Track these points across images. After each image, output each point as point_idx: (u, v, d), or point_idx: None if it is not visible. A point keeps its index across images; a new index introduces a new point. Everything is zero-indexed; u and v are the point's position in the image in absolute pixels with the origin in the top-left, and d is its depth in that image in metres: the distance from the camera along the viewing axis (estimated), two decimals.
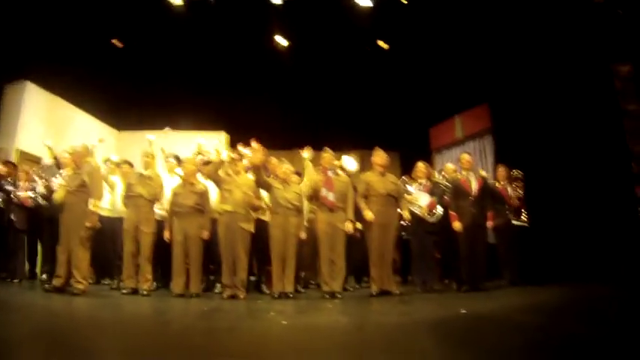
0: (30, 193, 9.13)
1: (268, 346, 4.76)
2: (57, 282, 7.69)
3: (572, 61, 9.29)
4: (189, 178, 8.36)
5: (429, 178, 9.05)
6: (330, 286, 7.91)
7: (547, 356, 4.01)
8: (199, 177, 8.59)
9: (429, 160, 11.91)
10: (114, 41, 11.66)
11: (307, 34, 11.66)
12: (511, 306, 6.80)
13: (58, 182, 8.21)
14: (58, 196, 7.86)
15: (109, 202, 9.15)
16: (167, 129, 8.76)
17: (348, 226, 8.08)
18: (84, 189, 7.85)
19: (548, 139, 9.68)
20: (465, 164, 8.68)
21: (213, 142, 9.26)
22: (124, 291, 8.08)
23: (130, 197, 8.35)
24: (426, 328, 5.43)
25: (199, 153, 9.28)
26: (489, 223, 8.64)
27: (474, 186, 8.46)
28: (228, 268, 7.90)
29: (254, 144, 8.33)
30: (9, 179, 9.29)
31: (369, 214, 8.03)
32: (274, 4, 10.64)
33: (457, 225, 8.30)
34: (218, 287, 8.39)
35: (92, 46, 11.35)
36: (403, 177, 9.40)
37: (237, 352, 4.49)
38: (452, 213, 8.44)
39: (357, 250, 8.79)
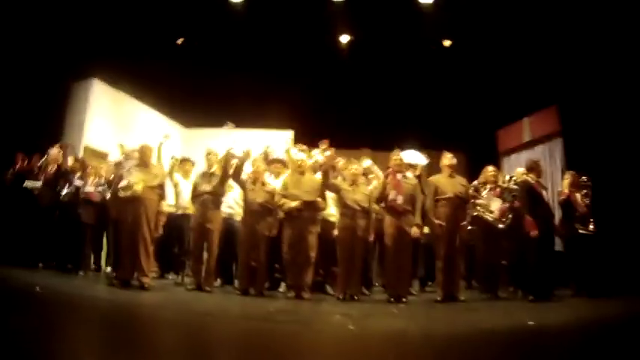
0: (98, 188, 9.24)
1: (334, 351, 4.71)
2: (122, 275, 7.82)
3: None
4: (258, 176, 8.34)
5: (496, 182, 8.84)
6: (397, 290, 7.76)
7: None
8: (268, 177, 8.56)
9: (496, 163, 11.63)
10: (179, 42, 11.77)
11: (374, 32, 11.56)
12: (578, 318, 6.59)
13: (130, 179, 8.25)
14: (137, 188, 7.91)
15: (174, 198, 9.25)
16: (229, 124, 8.74)
17: (415, 231, 7.87)
18: (158, 186, 8.08)
19: (619, 143, 9.40)
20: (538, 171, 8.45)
21: (281, 141, 9.24)
22: (189, 287, 8.14)
23: (196, 195, 8.39)
24: (494, 339, 5.32)
25: (266, 154, 9.26)
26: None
27: (546, 193, 8.24)
28: (293, 268, 7.88)
29: (323, 144, 8.30)
30: (78, 174, 9.44)
31: (437, 221, 7.91)
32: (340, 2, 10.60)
33: (534, 232, 8.01)
34: (283, 286, 8.37)
35: (159, 43, 11.45)
36: (474, 182, 9.14)
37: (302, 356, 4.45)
38: (528, 219, 8.14)
39: (423, 255, 8.65)
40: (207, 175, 8.48)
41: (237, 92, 12.19)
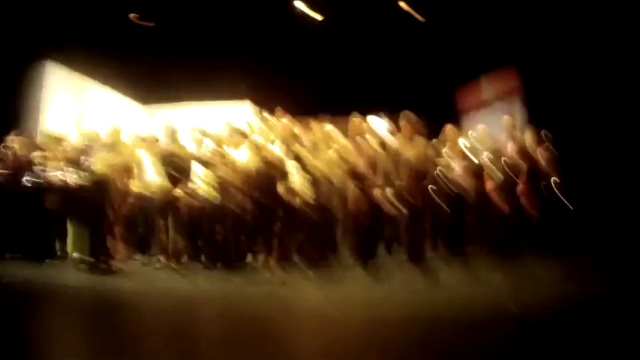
0: (59, 174, 9.12)
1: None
2: (90, 259, 7.81)
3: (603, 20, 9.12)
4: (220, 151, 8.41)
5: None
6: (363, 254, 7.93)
7: None
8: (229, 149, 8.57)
9: (456, 122, 11.72)
10: (132, 16, 11.58)
11: None
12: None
13: (92, 161, 8.16)
14: (100, 171, 7.85)
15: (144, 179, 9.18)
16: None
17: (379, 196, 7.89)
18: (124, 167, 8.10)
19: (578, 101, 9.55)
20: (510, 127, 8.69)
21: (244, 114, 9.22)
22: (157, 266, 8.16)
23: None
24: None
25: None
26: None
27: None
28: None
29: (285, 114, 8.36)
30: (38, 160, 9.31)
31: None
32: None
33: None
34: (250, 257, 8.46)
35: (111, 21, 11.28)
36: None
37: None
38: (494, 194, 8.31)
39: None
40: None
41: (192, 66, 12.08)
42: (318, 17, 11.81)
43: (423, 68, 12.89)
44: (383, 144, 8.33)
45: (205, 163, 8.38)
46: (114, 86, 12.91)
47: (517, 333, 4.55)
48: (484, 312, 5.39)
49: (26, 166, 9.19)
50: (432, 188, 8.43)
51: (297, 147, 8.26)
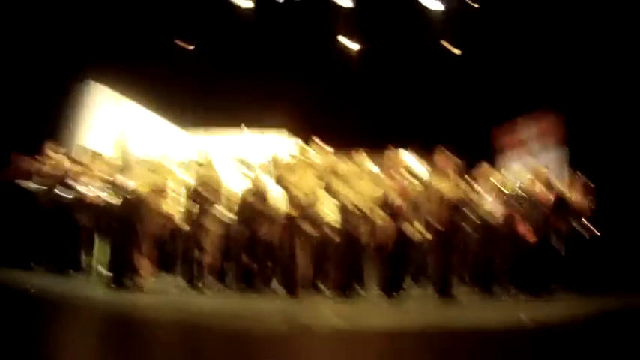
0: (98, 192, 9.23)
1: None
2: (117, 276, 7.91)
3: None
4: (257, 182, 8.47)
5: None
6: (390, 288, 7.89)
7: None
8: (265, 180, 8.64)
9: (491, 161, 11.63)
10: (179, 42, 11.78)
11: (373, 33, 11.57)
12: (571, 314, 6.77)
13: (128, 179, 8.28)
14: (136, 190, 8.01)
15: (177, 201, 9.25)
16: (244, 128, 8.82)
17: (418, 236, 7.99)
18: (162, 189, 8.20)
19: (620, 150, 9.44)
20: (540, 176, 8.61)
21: (284, 144, 9.28)
22: (183, 286, 8.26)
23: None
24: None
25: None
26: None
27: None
28: (286, 267, 7.98)
29: (322, 145, 8.40)
30: (77, 177, 9.44)
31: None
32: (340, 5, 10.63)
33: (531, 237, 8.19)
34: (275, 284, 8.41)
35: (157, 44, 11.48)
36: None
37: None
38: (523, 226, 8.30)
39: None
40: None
41: (238, 93, 12.19)
42: (357, 48, 11.86)
43: (462, 106, 12.86)
44: (417, 178, 8.30)
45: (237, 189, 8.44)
46: (156, 109, 13.08)
47: None
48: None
49: (61, 178, 9.33)
50: (462, 223, 8.37)
51: (331, 178, 8.25)
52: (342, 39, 11.88)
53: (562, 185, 9.24)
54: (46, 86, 10.62)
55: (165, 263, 9.42)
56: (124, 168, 8.65)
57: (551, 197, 8.45)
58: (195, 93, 12.58)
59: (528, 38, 11.08)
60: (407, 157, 9.00)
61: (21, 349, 4.24)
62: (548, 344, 5.27)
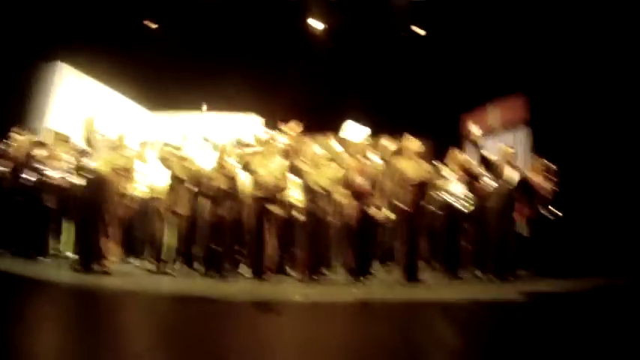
0: (62, 173, 9.14)
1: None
2: (84, 259, 7.80)
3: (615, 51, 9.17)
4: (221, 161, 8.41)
5: (464, 167, 8.93)
6: (357, 270, 7.92)
7: None
8: (231, 160, 8.59)
9: (459, 147, 11.74)
10: (146, 22, 11.65)
11: (342, 18, 11.56)
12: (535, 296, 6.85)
13: (93, 161, 8.20)
14: (101, 171, 7.93)
15: (145, 183, 9.24)
16: (204, 107, 8.75)
17: (378, 214, 7.98)
18: (125, 169, 8.12)
19: (586, 132, 9.58)
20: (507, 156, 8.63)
21: (249, 125, 9.27)
22: (151, 270, 8.25)
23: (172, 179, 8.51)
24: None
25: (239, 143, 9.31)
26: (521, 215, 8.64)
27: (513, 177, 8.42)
28: (254, 249, 7.96)
29: (292, 126, 8.38)
30: (42, 159, 9.32)
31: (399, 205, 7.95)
32: None
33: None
34: (243, 268, 8.39)
35: (124, 26, 11.35)
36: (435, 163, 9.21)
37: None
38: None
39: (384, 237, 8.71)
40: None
41: (204, 75, 12.13)
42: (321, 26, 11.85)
43: (431, 92, 12.96)
44: (384, 162, 8.34)
45: (208, 174, 8.44)
46: (122, 90, 12.95)
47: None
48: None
49: (27, 162, 9.21)
50: (430, 208, 8.44)
51: (299, 160, 8.26)
52: (310, 21, 11.82)
53: (526, 168, 9.40)
54: (11, 67, 10.43)
55: (132, 246, 9.41)
56: (89, 149, 8.54)
57: (517, 179, 8.52)
58: (164, 74, 12.49)
59: (493, 24, 11.14)
60: (375, 142, 8.99)
61: None
62: (508, 321, 5.35)
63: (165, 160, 8.64)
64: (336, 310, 6.12)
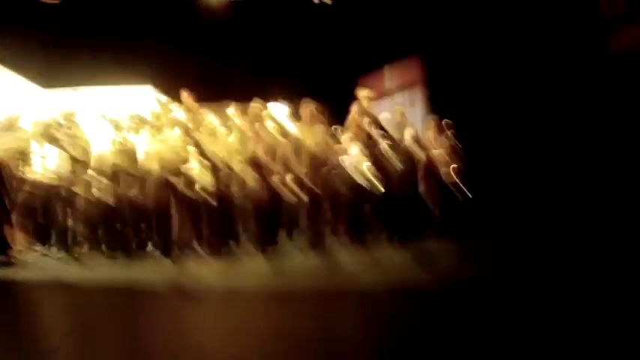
0: None
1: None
2: None
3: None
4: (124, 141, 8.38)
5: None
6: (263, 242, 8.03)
7: None
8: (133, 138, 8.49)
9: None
10: None
11: None
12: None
13: None
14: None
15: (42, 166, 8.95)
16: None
17: (277, 183, 8.05)
18: (19, 152, 7.90)
19: (480, 91, 9.90)
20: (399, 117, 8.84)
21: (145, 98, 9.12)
22: (58, 256, 8.08)
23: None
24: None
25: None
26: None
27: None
28: (160, 227, 7.96)
29: (186, 97, 8.32)
30: None
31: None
32: None
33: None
34: (150, 246, 8.38)
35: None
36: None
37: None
38: None
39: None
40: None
41: (95, 48, 11.81)
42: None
43: (327, 56, 13.02)
44: (283, 131, 8.41)
45: (103, 150, 8.29)
46: (12, 67, 12.46)
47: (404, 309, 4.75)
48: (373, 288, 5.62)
49: None
50: (331, 174, 8.58)
51: (197, 133, 8.24)
52: None
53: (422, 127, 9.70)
54: None
55: (40, 234, 9.18)
56: None
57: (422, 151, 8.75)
58: (56, 49, 12.06)
59: None
60: (273, 110, 9.03)
61: None
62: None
63: (55, 140, 8.40)
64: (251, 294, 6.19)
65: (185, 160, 8.17)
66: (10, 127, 8.06)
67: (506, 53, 9.80)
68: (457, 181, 9.15)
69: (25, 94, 11.62)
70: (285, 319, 4.68)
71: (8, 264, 7.47)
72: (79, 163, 8.25)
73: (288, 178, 8.19)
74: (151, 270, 7.47)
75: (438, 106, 11.00)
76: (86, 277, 7.19)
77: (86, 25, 11.89)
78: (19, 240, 7.94)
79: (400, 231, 8.43)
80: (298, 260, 7.70)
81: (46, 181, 8.79)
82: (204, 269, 7.37)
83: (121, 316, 4.92)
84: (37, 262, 8.16)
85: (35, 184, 8.62)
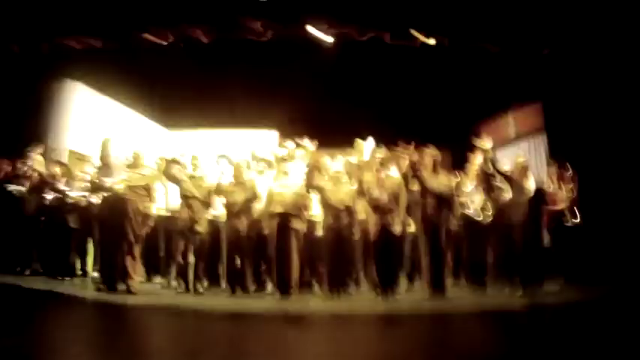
0: (82, 193, 9.14)
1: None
2: (108, 279, 7.80)
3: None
4: (238, 178, 8.46)
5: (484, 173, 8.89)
6: (383, 288, 7.85)
7: None
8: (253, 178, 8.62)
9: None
10: (150, 37, 11.61)
11: (357, 32, 11.57)
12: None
13: (113, 181, 8.19)
14: (121, 191, 7.94)
15: (165, 201, 9.24)
16: None
17: (399, 229, 7.93)
18: (144, 188, 8.08)
19: (603, 138, 9.58)
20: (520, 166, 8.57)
21: (265, 141, 9.27)
22: (178, 290, 8.21)
23: (184, 197, 8.42)
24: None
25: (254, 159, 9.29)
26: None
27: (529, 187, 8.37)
28: (279, 267, 7.96)
29: (307, 142, 8.39)
30: (62, 179, 9.34)
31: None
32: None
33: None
34: (270, 287, 8.37)
35: (135, 41, 11.37)
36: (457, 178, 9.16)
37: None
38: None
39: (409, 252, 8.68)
40: (194, 179, 8.58)
41: (221, 93, 12.13)
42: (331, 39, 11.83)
43: (449, 102, 12.94)
44: (405, 176, 8.31)
45: (225, 190, 8.47)
46: (139, 109, 12.98)
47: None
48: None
49: (47, 183, 9.24)
50: (453, 218, 8.40)
51: (319, 177, 8.27)
52: (323, 36, 11.81)
53: (542, 175, 9.39)
54: (24, 86, 10.51)
55: (156, 265, 9.40)
56: (106, 168, 8.53)
57: (532, 188, 8.50)
58: (179, 92, 12.49)
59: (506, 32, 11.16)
60: (395, 155, 8.98)
61: (15, 349, 4.22)
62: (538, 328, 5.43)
63: (173, 178, 8.59)
64: (362, 323, 6.14)
65: (306, 203, 8.19)
66: (136, 164, 8.28)
67: (630, 99, 9.44)
68: (580, 228, 8.86)
69: (150, 133, 12.06)
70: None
71: (128, 293, 7.59)
72: (199, 201, 8.35)
73: (409, 221, 8.14)
74: (266, 304, 7.52)
75: (560, 152, 10.66)
76: (199, 307, 7.28)
77: (211, 68, 12.24)
78: (139, 271, 8.11)
79: (522, 277, 8.10)
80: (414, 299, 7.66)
81: (167, 216, 9.04)
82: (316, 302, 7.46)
83: (232, 341, 4.91)
84: (154, 292, 8.38)
85: (157, 220, 8.85)
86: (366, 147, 8.94)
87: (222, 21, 11.15)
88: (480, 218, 8.72)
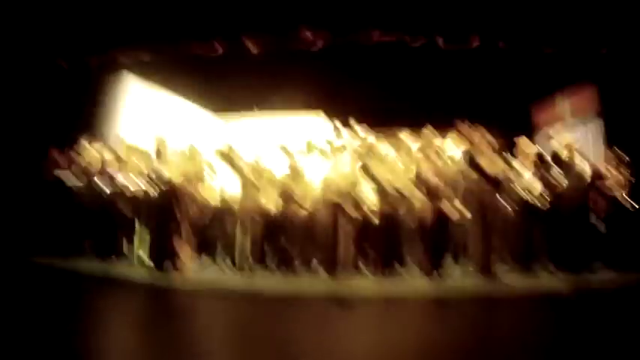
0: (136, 182, 9.27)
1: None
2: (160, 261, 8.00)
3: None
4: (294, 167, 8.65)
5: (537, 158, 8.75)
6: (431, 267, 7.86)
7: None
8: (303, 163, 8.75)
9: (530, 139, 11.54)
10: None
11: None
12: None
13: (164, 168, 8.33)
14: (172, 178, 8.15)
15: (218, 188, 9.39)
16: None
17: (454, 213, 7.94)
18: (195, 176, 8.35)
19: None
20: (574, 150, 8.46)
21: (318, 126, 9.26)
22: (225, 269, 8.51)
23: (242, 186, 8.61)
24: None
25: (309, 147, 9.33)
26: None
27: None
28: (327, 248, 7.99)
29: (356, 123, 8.39)
30: (117, 169, 9.51)
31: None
32: None
33: None
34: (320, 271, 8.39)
35: (185, 32, 11.47)
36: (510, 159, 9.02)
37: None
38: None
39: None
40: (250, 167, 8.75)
41: (267, 76, 12.10)
42: None
43: (501, 82, 12.71)
44: (455, 156, 8.23)
45: (280, 179, 8.64)
46: (189, 96, 13.06)
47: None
48: None
49: (99, 170, 9.44)
50: (502, 200, 8.28)
51: (366, 157, 8.23)
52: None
53: (597, 159, 9.17)
54: (79, 78, 10.71)
55: (205, 247, 9.49)
56: (160, 158, 8.68)
57: (588, 172, 8.32)
58: (227, 78, 12.51)
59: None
60: (445, 136, 8.92)
61: (70, 328, 4.32)
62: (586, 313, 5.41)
63: (233, 165, 8.70)
64: (410, 305, 6.09)
65: (354, 184, 8.17)
66: (190, 153, 8.41)
67: None
68: (632, 213, 8.69)
69: (200, 121, 12.15)
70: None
71: (175, 271, 7.75)
72: (250, 184, 8.41)
73: (458, 201, 8.05)
74: (312, 283, 7.60)
75: (612, 136, 10.42)
76: (246, 286, 7.40)
77: (259, 53, 12.27)
78: (187, 253, 8.21)
79: (569, 260, 7.97)
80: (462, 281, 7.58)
81: (217, 200, 9.14)
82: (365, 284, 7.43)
83: (278, 323, 4.93)
84: (202, 272, 8.49)
85: (207, 203, 8.99)
86: (424, 134, 8.87)
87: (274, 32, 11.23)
88: (536, 203, 8.53)
